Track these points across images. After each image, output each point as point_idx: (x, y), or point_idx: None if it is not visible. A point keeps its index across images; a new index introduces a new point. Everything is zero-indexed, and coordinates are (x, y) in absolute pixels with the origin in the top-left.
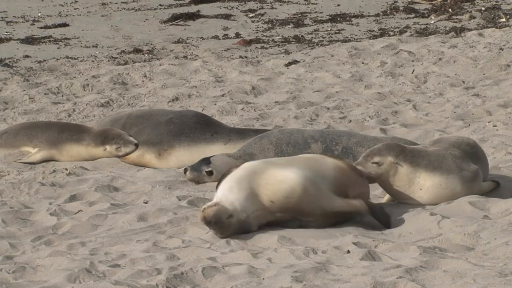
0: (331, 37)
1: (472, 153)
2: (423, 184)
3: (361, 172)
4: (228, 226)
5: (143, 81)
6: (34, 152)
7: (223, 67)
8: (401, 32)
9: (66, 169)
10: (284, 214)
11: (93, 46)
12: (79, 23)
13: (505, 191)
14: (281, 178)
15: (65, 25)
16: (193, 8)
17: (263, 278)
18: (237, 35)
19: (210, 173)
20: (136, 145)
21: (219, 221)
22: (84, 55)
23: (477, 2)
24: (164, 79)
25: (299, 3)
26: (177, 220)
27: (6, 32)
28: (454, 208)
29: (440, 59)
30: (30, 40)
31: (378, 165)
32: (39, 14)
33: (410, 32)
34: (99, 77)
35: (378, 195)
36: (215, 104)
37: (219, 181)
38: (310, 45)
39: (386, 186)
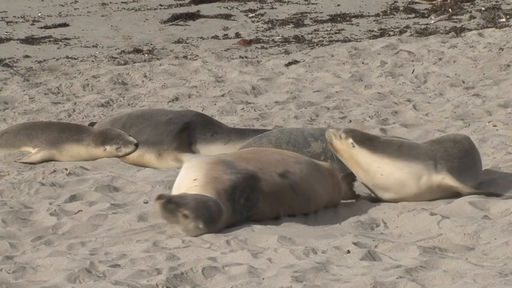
0: (331, 37)
1: (456, 149)
2: (384, 169)
3: (318, 165)
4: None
5: (143, 81)
6: (34, 152)
7: (223, 67)
8: (401, 32)
9: (66, 169)
10: None
11: (93, 46)
12: (79, 23)
13: (505, 191)
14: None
15: (65, 25)
16: (193, 8)
17: (263, 278)
18: (237, 35)
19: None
20: (136, 145)
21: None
22: (84, 55)
23: (477, 2)
24: (164, 79)
25: (299, 3)
26: None
27: (6, 32)
28: (454, 208)
29: (440, 59)
30: (30, 40)
31: (339, 138)
32: (39, 14)
33: (410, 32)
34: (99, 77)
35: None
36: (215, 104)
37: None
38: (310, 45)
39: (352, 168)
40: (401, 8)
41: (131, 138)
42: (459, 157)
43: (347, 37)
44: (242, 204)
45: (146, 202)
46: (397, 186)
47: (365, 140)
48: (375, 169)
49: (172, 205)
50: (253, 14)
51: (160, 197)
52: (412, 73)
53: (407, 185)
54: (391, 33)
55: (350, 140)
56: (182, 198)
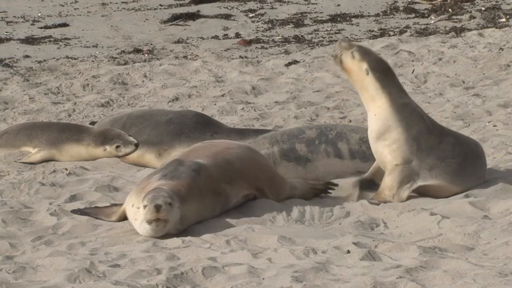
0: (331, 37)
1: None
2: (380, 104)
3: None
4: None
5: (143, 81)
6: (34, 152)
7: (223, 67)
8: (401, 32)
9: (66, 169)
10: None
11: (93, 46)
12: (79, 23)
13: (505, 191)
14: None
15: (65, 25)
16: (193, 8)
17: (263, 278)
18: (237, 35)
19: None
20: (136, 145)
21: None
22: (84, 55)
23: (477, 2)
24: (164, 79)
25: (299, 3)
26: None
27: (6, 32)
28: (454, 208)
29: (440, 59)
30: (30, 40)
31: (352, 58)
32: (39, 14)
33: (410, 32)
34: (99, 77)
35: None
36: (215, 104)
37: None
38: (310, 45)
39: (357, 90)
40: (401, 8)
41: (131, 138)
42: (451, 156)
43: (347, 37)
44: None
45: None
46: (377, 132)
47: (381, 72)
48: (374, 108)
49: None
50: (253, 14)
51: None
52: (412, 73)
53: (379, 138)
54: (391, 33)
55: (365, 66)
56: None
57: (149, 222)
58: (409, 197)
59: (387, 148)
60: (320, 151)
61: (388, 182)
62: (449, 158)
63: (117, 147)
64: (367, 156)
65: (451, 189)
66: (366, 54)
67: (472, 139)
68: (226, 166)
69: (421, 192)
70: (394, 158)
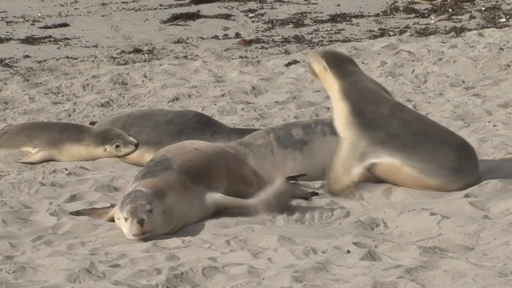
0: (331, 37)
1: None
2: (336, 106)
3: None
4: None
5: (143, 81)
6: (34, 152)
7: (223, 67)
8: (401, 32)
9: (66, 169)
10: None
11: (93, 46)
12: (79, 23)
13: (505, 191)
14: None
15: (65, 25)
16: (193, 8)
17: (263, 278)
18: (237, 35)
19: None
20: (136, 145)
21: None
22: (84, 55)
23: (477, 2)
24: (164, 79)
25: (299, 3)
26: None
27: (6, 32)
28: (454, 208)
29: (440, 59)
30: (30, 40)
31: (317, 62)
32: (39, 14)
33: (410, 32)
34: (99, 77)
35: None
36: (215, 104)
37: None
38: (310, 45)
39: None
40: (401, 8)
41: (131, 138)
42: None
43: (347, 37)
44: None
45: None
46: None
47: (337, 65)
48: (333, 96)
49: None
50: (253, 14)
51: None
52: (412, 73)
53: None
54: (391, 33)
55: (323, 64)
56: None
57: (135, 235)
58: (406, 198)
59: (337, 123)
60: (317, 131)
61: (340, 158)
62: (402, 135)
63: (117, 146)
64: None
65: (406, 170)
66: (324, 53)
67: (453, 133)
68: (198, 160)
69: (381, 176)
70: (342, 132)
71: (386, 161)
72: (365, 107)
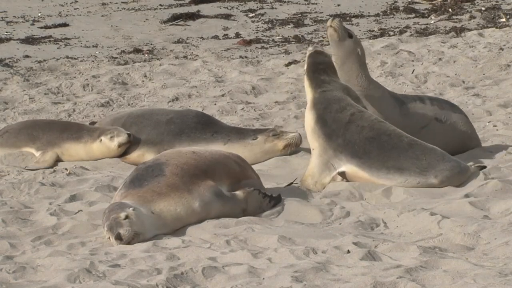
0: None
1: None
2: (307, 115)
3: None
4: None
5: (143, 81)
6: (40, 156)
7: (223, 67)
8: (401, 32)
9: (66, 169)
10: None
11: (93, 46)
12: (79, 23)
13: (505, 191)
14: None
15: (65, 25)
16: (193, 8)
17: (263, 278)
18: (237, 35)
19: None
20: (129, 135)
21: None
22: (84, 55)
23: (477, 2)
24: (164, 79)
25: (299, 3)
26: None
27: (6, 32)
28: (454, 208)
29: (440, 59)
30: (30, 40)
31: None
32: (39, 14)
33: (410, 32)
34: (99, 77)
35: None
36: (215, 104)
37: None
38: (310, 45)
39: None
40: (401, 8)
41: (125, 130)
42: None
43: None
44: None
45: None
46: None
47: (313, 71)
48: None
49: None
50: (253, 14)
51: None
52: (412, 73)
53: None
54: (391, 33)
55: (304, 70)
56: None
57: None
58: (406, 198)
59: (307, 133)
60: None
61: (309, 169)
62: (356, 142)
63: (111, 137)
64: None
65: (361, 175)
66: (308, 59)
67: (405, 135)
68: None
69: (351, 180)
70: (311, 142)
71: (347, 168)
72: (329, 116)
